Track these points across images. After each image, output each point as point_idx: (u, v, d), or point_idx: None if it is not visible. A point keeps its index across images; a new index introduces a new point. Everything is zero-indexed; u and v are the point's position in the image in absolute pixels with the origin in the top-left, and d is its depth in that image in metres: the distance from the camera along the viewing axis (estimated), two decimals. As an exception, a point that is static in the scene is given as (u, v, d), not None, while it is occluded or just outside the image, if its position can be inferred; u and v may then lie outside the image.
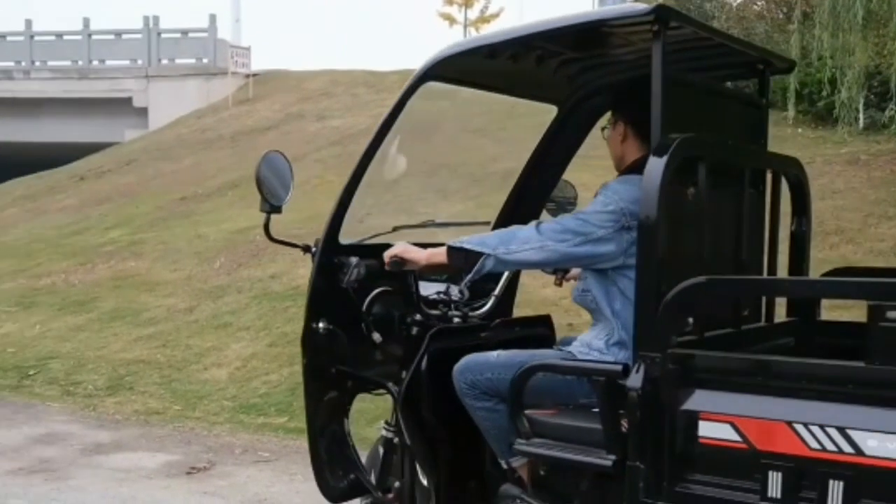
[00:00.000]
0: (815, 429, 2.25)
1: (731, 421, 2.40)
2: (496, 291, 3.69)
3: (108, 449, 5.91)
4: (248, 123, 21.46)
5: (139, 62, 28.32)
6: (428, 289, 3.49)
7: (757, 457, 2.34)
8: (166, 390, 7.37)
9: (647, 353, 2.52)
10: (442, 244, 3.04)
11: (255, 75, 25.56)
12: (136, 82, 27.77)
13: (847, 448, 2.20)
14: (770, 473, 2.32)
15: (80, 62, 29.13)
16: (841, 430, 2.21)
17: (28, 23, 30.25)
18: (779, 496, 2.31)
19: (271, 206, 3.30)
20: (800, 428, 2.27)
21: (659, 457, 2.51)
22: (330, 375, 3.50)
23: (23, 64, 29.82)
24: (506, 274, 3.68)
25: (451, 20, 26.06)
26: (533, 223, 3.02)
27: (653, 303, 2.55)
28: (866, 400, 2.21)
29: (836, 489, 2.22)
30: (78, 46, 29.27)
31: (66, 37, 29.81)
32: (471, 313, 3.56)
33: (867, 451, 2.17)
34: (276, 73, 26.48)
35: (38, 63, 29.71)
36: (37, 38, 30.04)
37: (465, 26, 25.81)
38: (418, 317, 3.40)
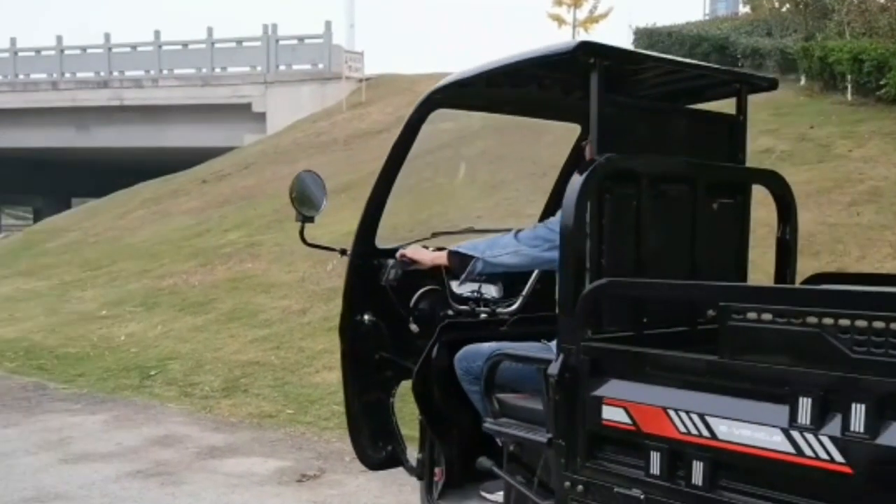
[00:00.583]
0: (683, 414, 2.49)
1: (624, 406, 2.64)
2: (524, 291, 3.81)
3: (222, 453, 5.83)
4: (361, 127, 21.54)
5: (258, 69, 28.79)
6: (464, 288, 3.76)
7: (642, 438, 2.59)
8: (279, 393, 7.28)
9: (565, 345, 2.80)
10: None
11: (367, 79, 25.67)
12: (255, 88, 28.23)
13: (705, 432, 2.43)
14: (651, 453, 2.57)
15: (203, 70, 29.79)
16: (701, 416, 2.44)
17: (157, 33, 31.10)
18: (658, 473, 2.56)
19: (304, 217, 3.77)
20: (672, 413, 2.51)
21: (574, 435, 2.78)
22: (374, 361, 3.95)
23: (151, 73, 30.69)
24: (534, 274, 3.80)
25: (560, 21, 25.59)
26: (514, 231, 3.38)
27: (571, 301, 2.82)
28: (719, 390, 2.43)
29: (699, 469, 2.46)
30: (202, 55, 29.94)
31: (191, 46, 30.53)
32: (499, 310, 3.75)
33: (719, 436, 2.39)
34: (388, 77, 26.53)
35: (165, 72, 30.50)
36: (164, 47, 30.84)
37: (574, 27, 25.33)
38: (450, 312, 3.75)
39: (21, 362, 8.87)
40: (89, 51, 32.20)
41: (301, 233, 3.84)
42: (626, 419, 2.64)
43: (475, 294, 3.80)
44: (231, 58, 29.60)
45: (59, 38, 32.63)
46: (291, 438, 6.21)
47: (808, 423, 2.22)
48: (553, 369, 2.79)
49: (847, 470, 2.14)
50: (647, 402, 2.60)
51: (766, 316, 2.33)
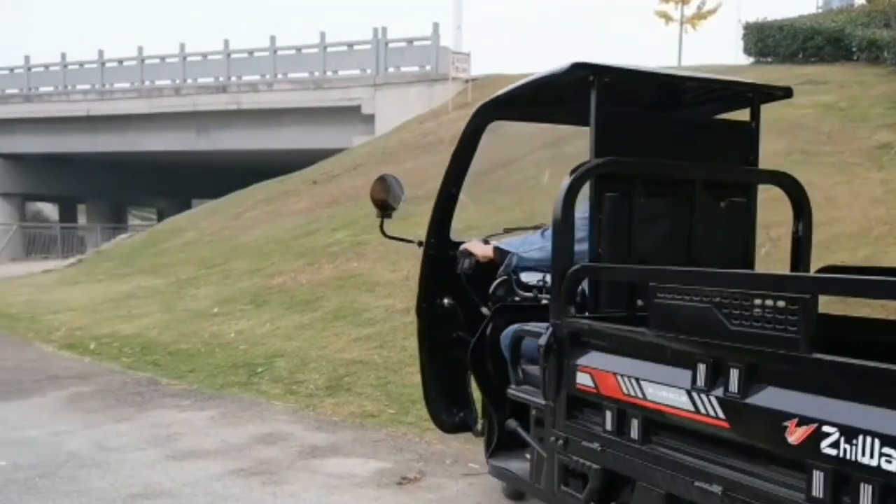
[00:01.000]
0: (626, 379, 2.93)
1: (590, 372, 3.12)
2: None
3: (324, 452, 5.74)
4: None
5: (368, 71, 28.99)
6: (532, 277, 4.11)
7: (601, 399, 3.07)
8: (381, 392, 7.17)
9: (553, 321, 3.30)
10: None
11: (473, 80, 25.52)
12: (365, 91, 28.43)
13: (639, 394, 2.87)
14: (606, 412, 3.04)
15: (315, 73, 30.19)
16: (637, 381, 2.88)
17: (272, 39, 31.66)
18: (610, 429, 3.02)
19: (383, 213, 4.40)
20: (619, 378, 2.96)
21: (559, 397, 3.29)
22: (451, 339, 4.52)
23: (267, 77, 31.26)
24: None
25: (667, 18, 24.97)
26: (542, 228, 3.94)
27: (558, 283, 3.32)
28: (649, 358, 2.86)
29: (635, 425, 2.91)
30: (314, 59, 30.34)
31: (304, 50, 30.97)
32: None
33: (648, 397, 2.82)
34: (494, 78, 26.27)
35: (279, 76, 31.04)
36: (279, 52, 31.37)
37: (682, 23, 24.66)
38: (516, 298, 4.10)
39: (137, 358, 9.02)
40: (209, 57, 33.03)
41: (381, 226, 4.50)
42: (591, 383, 3.13)
43: (540, 283, 4.10)
44: (342, 61, 29.92)
45: (182, 46, 33.59)
46: (392, 439, 6.08)
47: (702, 385, 2.61)
48: (543, 341, 3.30)
49: (725, 425, 2.54)
50: (604, 369, 3.08)
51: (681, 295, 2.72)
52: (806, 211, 3.88)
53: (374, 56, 28.77)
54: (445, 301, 4.44)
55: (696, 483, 2.64)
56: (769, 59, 20.91)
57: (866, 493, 2.12)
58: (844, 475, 2.18)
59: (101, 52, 35.43)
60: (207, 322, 10.25)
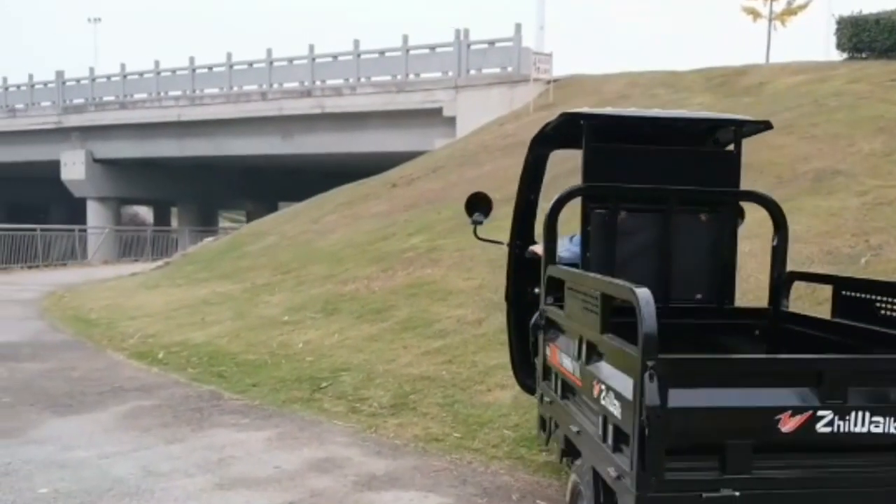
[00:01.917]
0: (559, 352, 4.04)
1: (551, 347, 4.22)
2: None
3: (381, 484, 5.24)
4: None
5: (449, 73, 28.53)
6: None
7: (553, 366, 4.19)
8: (448, 413, 6.65)
9: (541, 307, 4.41)
10: None
11: (555, 81, 24.84)
12: (446, 93, 27.98)
13: (567, 364, 3.89)
14: (554, 375, 4.18)
15: (398, 76, 29.86)
16: (561, 352, 3.99)
17: (356, 42, 31.45)
18: (559, 394, 4.05)
19: (475, 221, 5.38)
20: (557, 351, 4.08)
21: (544, 366, 4.40)
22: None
23: (350, 81, 31.08)
24: None
25: (755, 14, 23.86)
26: (571, 235, 4.84)
27: (544, 281, 4.36)
28: (567, 336, 3.92)
29: (559, 385, 4.07)
30: (396, 62, 30.03)
31: (387, 54, 30.69)
32: None
33: (566, 366, 3.90)
34: (577, 78, 25.61)
35: (362, 79, 30.82)
36: (363, 56, 31.16)
37: (770, 19, 23.52)
38: None
39: (203, 368, 8.69)
40: (295, 62, 33.03)
41: (474, 231, 5.45)
42: (550, 353, 4.23)
43: None
44: (424, 63, 29.53)
45: (269, 51, 33.69)
46: (456, 468, 5.54)
47: (577, 356, 3.65)
48: (534, 321, 4.61)
49: (578, 383, 3.68)
50: (554, 344, 4.15)
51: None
52: (782, 224, 4.54)
53: (456, 58, 28.27)
54: (535, 290, 4.83)
55: (571, 426, 3.76)
56: (864, 55, 19.72)
57: (610, 427, 3.20)
58: (605, 416, 3.26)
59: (191, 59, 35.83)
60: (277, 331, 9.88)
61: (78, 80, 39.36)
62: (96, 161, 38.26)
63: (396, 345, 8.53)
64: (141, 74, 37.38)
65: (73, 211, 41.29)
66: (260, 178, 42.59)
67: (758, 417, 2.87)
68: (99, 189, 38.45)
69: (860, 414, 2.89)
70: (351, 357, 8.39)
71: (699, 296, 4.61)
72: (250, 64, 34.17)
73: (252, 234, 21.95)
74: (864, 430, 2.90)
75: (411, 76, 29.57)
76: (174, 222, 48.46)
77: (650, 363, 2.75)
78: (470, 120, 25.98)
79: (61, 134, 38.72)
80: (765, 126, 4.49)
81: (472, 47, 28.39)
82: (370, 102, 29.76)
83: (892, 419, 2.92)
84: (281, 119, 32.20)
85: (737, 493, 2.84)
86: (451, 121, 27.63)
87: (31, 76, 41.24)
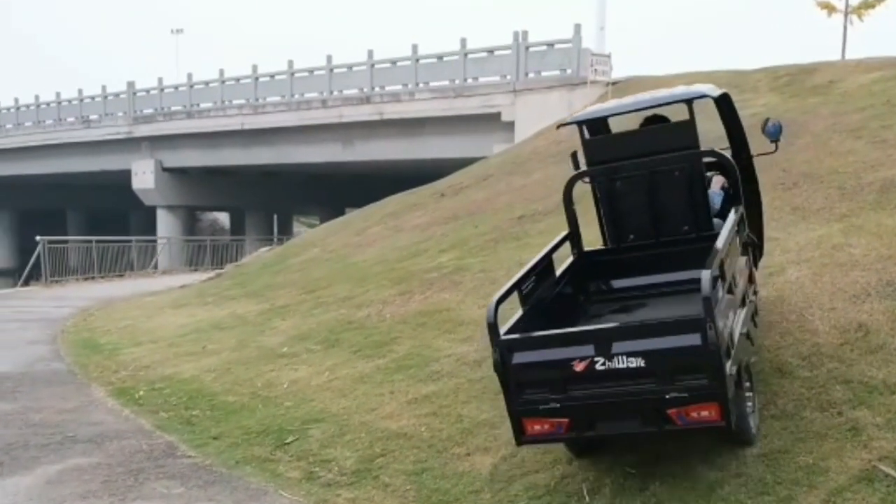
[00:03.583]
0: None
1: None
2: None
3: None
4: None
5: (508, 77, 27.34)
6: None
7: None
8: (413, 485, 5.55)
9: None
10: None
11: (615, 83, 23.44)
12: (504, 97, 26.82)
13: None
14: None
15: (456, 81, 28.81)
16: None
17: (414, 48, 30.51)
18: None
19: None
20: None
21: None
22: None
23: (409, 87, 30.16)
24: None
25: (830, 8, 22.02)
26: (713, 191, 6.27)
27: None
28: None
29: None
30: (454, 66, 28.98)
31: (445, 58, 29.66)
32: None
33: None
34: (637, 80, 24.06)
35: (420, 85, 29.87)
36: (421, 61, 30.20)
37: (846, 14, 21.69)
38: None
39: (175, 412, 7.77)
40: (355, 69, 32.26)
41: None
42: None
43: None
44: (482, 67, 28.38)
45: (329, 58, 33.00)
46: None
47: None
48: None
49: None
50: None
51: None
52: (731, 173, 5.86)
53: (515, 61, 27.02)
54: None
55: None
56: (950, 48, 17.80)
57: None
58: None
59: (254, 67, 35.43)
60: (270, 365, 8.90)
61: (148, 91, 39.42)
62: (165, 170, 38.23)
63: (384, 389, 7.44)
64: (206, 84, 37.17)
65: (149, 219, 41.42)
66: (325, 184, 42.07)
67: (562, 364, 4.67)
68: (167, 197, 38.39)
69: (619, 357, 4.55)
70: (331, 403, 7.35)
71: (685, 228, 5.91)
72: (311, 71, 33.53)
73: (300, 245, 21.19)
74: (623, 366, 4.54)
75: (469, 80, 28.44)
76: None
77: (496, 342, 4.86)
78: (528, 124, 24.73)
79: (132, 144, 38.84)
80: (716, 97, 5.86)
81: (531, 50, 27.09)
82: (428, 108, 28.78)
83: (637, 359, 4.51)
84: (341, 126, 31.50)
85: (558, 405, 4.71)
86: (510, 126, 26.44)
87: (104, 87, 41.50)
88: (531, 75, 27.03)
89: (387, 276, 12.09)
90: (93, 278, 23.84)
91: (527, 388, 4.79)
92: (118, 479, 5.95)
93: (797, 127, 12.53)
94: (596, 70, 23.06)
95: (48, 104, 44.19)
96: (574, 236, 6.13)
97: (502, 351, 4.80)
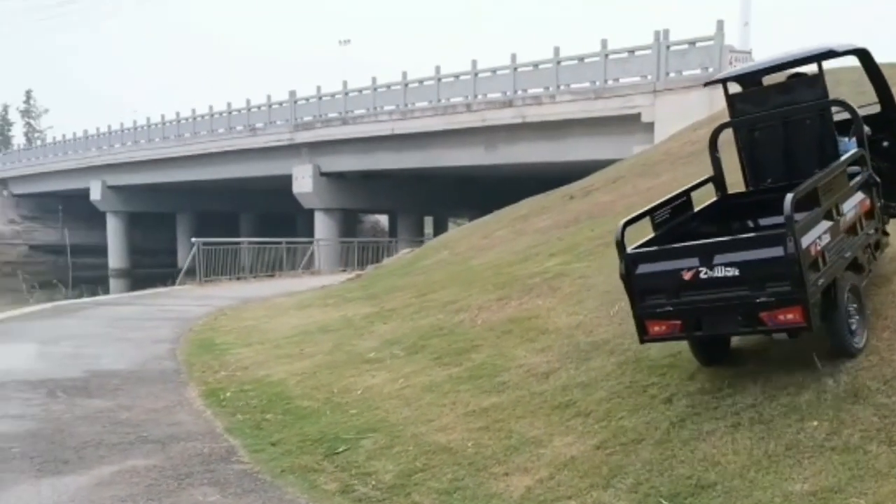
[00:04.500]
0: None
1: None
2: None
3: None
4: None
5: (648, 77, 26.33)
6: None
7: None
8: (442, 505, 5.20)
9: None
10: None
11: (757, 80, 22.02)
12: (644, 98, 25.85)
13: None
14: None
15: (596, 82, 28.03)
16: None
17: (556, 50, 29.93)
18: None
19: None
20: None
21: None
22: None
23: (549, 89, 29.62)
24: None
25: None
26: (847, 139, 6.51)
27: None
28: None
29: None
30: (594, 68, 28.21)
31: (586, 60, 28.93)
32: None
33: None
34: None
35: (561, 87, 29.26)
36: (562, 63, 29.59)
37: None
38: None
39: (249, 416, 7.73)
40: (498, 72, 32.01)
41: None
42: None
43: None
44: (622, 68, 27.47)
45: (474, 63, 32.92)
46: None
47: None
48: None
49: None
50: None
51: None
52: (856, 121, 6.26)
53: (655, 61, 25.98)
54: None
55: None
56: None
57: None
58: None
59: (404, 74, 35.81)
60: (353, 370, 8.75)
61: (307, 99, 40.58)
62: (322, 174, 39.24)
63: (447, 399, 7.11)
64: (360, 91, 37.88)
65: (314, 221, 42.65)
66: (474, 186, 42.00)
67: (674, 274, 5.41)
68: (324, 201, 39.40)
69: (718, 268, 5.23)
70: (394, 412, 7.09)
71: (817, 171, 5.79)
72: (457, 76, 33.53)
73: (434, 247, 21.15)
74: (722, 274, 5.23)
75: (610, 82, 27.58)
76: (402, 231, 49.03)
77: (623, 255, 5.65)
78: (668, 125, 23.70)
79: (293, 150, 40.11)
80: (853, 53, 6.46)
81: (672, 48, 25.96)
82: (568, 110, 28.13)
83: (732, 269, 5.17)
84: (484, 129, 31.30)
85: (671, 309, 5.48)
86: (650, 126, 25.44)
87: (269, 97, 43.12)
88: (671, 75, 25.91)
89: (492, 281, 11.73)
90: (244, 278, 24.64)
91: (647, 295, 5.57)
92: (163, 483, 5.90)
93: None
94: (734, 67, 21.74)
95: (220, 114, 46.36)
96: (717, 180, 6.79)
97: (628, 263, 5.59)
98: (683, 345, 6.83)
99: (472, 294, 11.23)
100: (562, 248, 12.77)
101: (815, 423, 4.98)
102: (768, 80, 6.96)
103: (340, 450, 6.40)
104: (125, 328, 13.58)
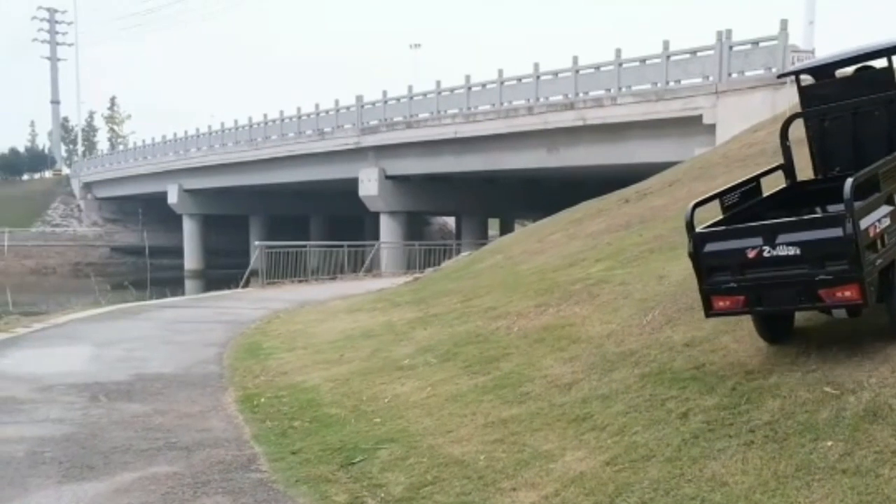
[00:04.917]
0: None
1: None
2: None
3: None
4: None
5: (710, 79, 25.74)
6: None
7: None
8: (446, 521, 5.10)
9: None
10: None
11: (821, 80, 21.31)
12: (706, 99, 25.29)
13: None
14: None
15: (658, 84, 27.53)
16: None
17: (618, 52, 29.54)
18: None
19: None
20: None
21: None
22: None
23: (611, 91, 29.21)
24: None
25: None
26: None
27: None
28: None
29: None
30: (656, 69, 27.71)
31: (648, 61, 28.44)
32: None
33: None
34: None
35: (623, 89, 28.83)
36: (624, 65, 29.15)
37: None
38: None
39: (278, 423, 7.73)
40: (560, 75, 31.71)
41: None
42: None
43: None
44: (683, 69, 26.91)
45: (536, 66, 32.72)
46: None
47: None
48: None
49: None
50: None
51: None
52: None
53: (717, 62, 25.36)
54: None
55: None
56: None
57: None
58: None
59: (467, 78, 35.77)
60: (385, 378, 8.71)
61: (373, 104, 40.85)
62: (388, 178, 39.46)
63: (469, 409, 7.01)
64: (424, 95, 37.96)
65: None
66: (536, 188, 41.73)
67: (739, 252, 5.62)
68: (389, 203, 39.61)
69: (781, 247, 5.44)
70: (415, 422, 7.01)
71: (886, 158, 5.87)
72: (519, 79, 33.33)
73: (490, 250, 21.00)
74: (784, 253, 5.44)
75: (671, 83, 27.06)
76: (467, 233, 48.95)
77: (691, 235, 5.86)
78: (730, 127, 23.12)
79: (360, 153, 40.43)
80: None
81: (734, 49, 25.31)
82: (629, 113, 27.70)
83: (794, 248, 5.39)
84: (546, 132, 31.05)
85: (735, 285, 5.70)
86: (711, 128, 24.88)
87: (336, 101, 43.55)
88: (734, 75, 25.27)
89: (535, 287, 11.57)
90: (305, 281, 24.87)
91: (713, 272, 5.81)
92: (179, 491, 5.93)
93: None
94: (797, 67, 21.07)
95: (290, 118, 47.00)
96: (787, 167, 6.97)
97: (696, 242, 5.82)
98: (707, 357, 6.62)
99: (514, 300, 11.09)
100: (609, 254, 12.53)
101: (830, 443, 4.73)
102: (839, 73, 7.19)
103: (357, 460, 6.34)
104: (179, 331, 13.81)
